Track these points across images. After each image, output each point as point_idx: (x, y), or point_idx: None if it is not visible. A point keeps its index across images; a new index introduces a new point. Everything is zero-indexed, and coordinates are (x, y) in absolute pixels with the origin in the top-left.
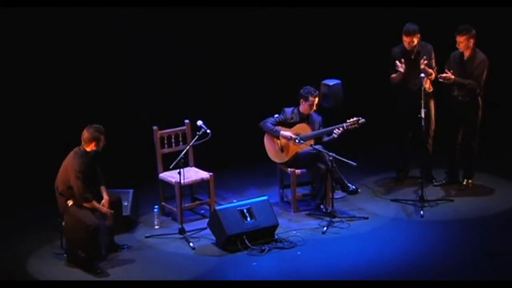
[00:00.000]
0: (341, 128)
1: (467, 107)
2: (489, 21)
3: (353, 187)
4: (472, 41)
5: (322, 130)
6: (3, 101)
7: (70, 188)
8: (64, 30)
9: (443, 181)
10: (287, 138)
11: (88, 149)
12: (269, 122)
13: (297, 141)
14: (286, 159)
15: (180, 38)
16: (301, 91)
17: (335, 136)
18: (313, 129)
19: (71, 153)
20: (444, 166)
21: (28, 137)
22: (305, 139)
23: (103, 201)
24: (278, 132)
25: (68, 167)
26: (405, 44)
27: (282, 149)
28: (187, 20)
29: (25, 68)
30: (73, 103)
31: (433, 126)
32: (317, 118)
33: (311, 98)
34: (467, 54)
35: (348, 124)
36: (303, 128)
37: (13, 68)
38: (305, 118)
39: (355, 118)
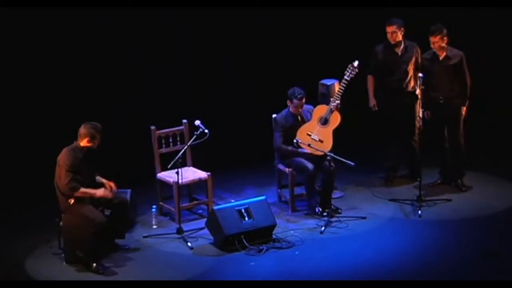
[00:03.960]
0: (343, 86)
1: (450, 105)
2: (487, 20)
3: (319, 209)
4: (445, 40)
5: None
6: (2, 101)
7: None
8: (63, 29)
9: (437, 182)
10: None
11: (82, 144)
12: (282, 144)
13: (294, 141)
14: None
15: (179, 38)
16: (288, 91)
17: (341, 93)
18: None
19: (64, 148)
20: (435, 166)
21: (27, 136)
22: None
23: (105, 185)
24: (296, 150)
25: (60, 161)
26: (388, 36)
27: (321, 140)
28: (186, 20)
29: (24, 68)
30: (72, 103)
31: (418, 124)
32: (309, 108)
33: (295, 101)
34: (442, 54)
35: (348, 75)
36: (312, 124)
37: (12, 68)
38: (297, 118)
39: (349, 66)
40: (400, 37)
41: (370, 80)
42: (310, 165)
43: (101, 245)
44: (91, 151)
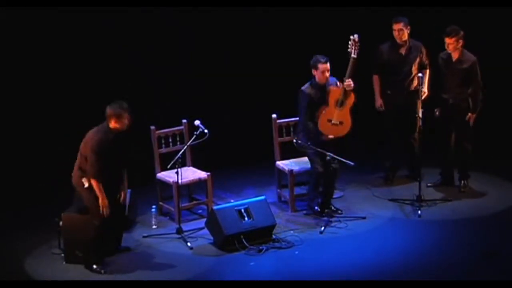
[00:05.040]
0: (353, 63)
1: (458, 109)
2: (484, 20)
3: (317, 208)
4: (461, 42)
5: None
6: (2, 101)
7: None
8: (63, 30)
9: (437, 183)
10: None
11: (111, 125)
12: (309, 121)
13: (294, 141)
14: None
15: (179, 38)
16: (311, 61)
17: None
18: None
19: (94, 128)
20: (436, 166)
21: (27, 137)
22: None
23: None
24: (322, 135)
25: (88, 140)
26: (395, 34)
27: (341, 122)
28: (186, 20)
29: (24, 68)
30: (72, 103)
31: (418, 123)
32: (333, 81)
33: (320, 66)
34: (455, 55)
35: (354, 52)
36: (330, 109)
37: (12, 68)
38: (323, 89)
39: (350, 43)
40: (406, 36)
41: (375, 80)
42: (319, 167)
43: (102, 245)
44: (121, 133)
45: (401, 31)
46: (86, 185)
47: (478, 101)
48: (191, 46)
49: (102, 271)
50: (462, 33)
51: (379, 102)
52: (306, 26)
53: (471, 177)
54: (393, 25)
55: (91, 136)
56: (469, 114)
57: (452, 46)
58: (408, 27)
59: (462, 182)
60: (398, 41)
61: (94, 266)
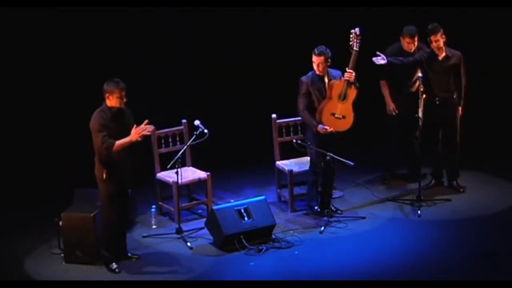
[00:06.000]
0: (355, 57)
1: (445, 107)
2: (484, 20)
3: (317, 208)
4: (444, 38)
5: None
6: (2, 101)
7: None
8: (63, 30)
9: (431, 184)
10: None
11: (107, 103)
12: (305, 109)
13: (294, 141)
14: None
15: (179, 38)
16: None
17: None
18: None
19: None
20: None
21: (27, 136)
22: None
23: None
24: (316, 126)
25: (90, 126)
26: (406, 45)
27: (344, 116)
28: (186, 20)
29: (24, 68)
30: (72, 103)
31: (419, 123)
32: (337, 74)
33: (313, 57)
34: (441, 53)
35: (356, 45)
36: (334, 103)
37: (12, 68)
38: (322, 80)
39: (352, 36)
40: (416, 44)
41: (384, 85)
42: (319, 167)
43: (119, 244)
44: (121, 111)
45: (414, 44)
46: (105, 176)
47: (462, 94)
48: (191, 46)
49: (117, 270)
50: (442, 29)
51: (391, 105)
52: (306, 26)
53: (471, 176)
54: (408, 39)
55: (91, 121)
56: (460, 108)
57: (439, 43)
58: (417, 36)
59: (454, 182)
60: (407, 50)
61: (114, 266)
